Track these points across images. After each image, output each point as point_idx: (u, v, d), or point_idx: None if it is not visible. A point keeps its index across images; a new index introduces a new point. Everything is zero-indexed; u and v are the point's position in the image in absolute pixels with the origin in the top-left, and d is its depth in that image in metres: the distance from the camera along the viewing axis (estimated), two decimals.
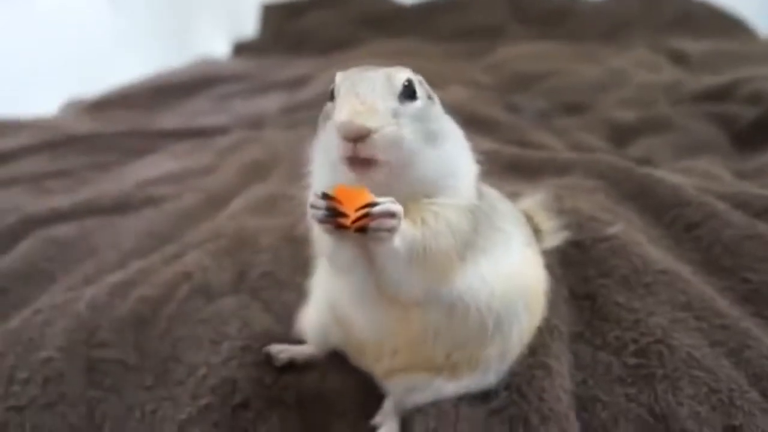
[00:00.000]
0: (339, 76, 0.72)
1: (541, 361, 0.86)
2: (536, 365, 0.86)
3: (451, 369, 0.81)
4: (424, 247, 0.71)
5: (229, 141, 1.94)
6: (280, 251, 1.17)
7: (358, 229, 0.67)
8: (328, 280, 0.85)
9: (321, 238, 0.75)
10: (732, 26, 3.51)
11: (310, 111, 2.25)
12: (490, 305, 0.77)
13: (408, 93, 0.71)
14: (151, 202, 1.44)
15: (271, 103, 2.42)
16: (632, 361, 0.88)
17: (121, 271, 1.09)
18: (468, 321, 0.77)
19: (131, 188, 1.51)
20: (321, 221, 0.68)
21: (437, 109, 0.77)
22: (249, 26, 3.77)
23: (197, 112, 2.36)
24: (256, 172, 1.66)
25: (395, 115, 0.68)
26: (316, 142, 0.76)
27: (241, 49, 3.59)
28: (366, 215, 0.66)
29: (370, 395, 0.84)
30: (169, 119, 2.26)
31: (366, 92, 0.68)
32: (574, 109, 2.23)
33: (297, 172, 1.74)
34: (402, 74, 0.72)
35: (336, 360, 0.89)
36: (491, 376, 0.83)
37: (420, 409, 0.81)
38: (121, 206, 1.42)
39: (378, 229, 0.67)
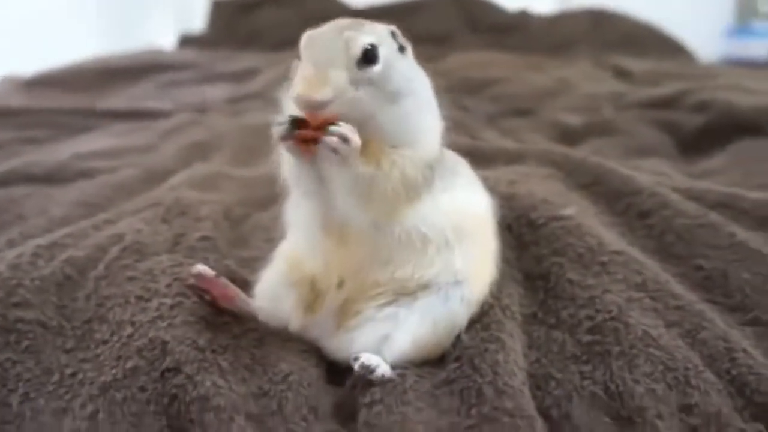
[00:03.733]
0: (304, 38, 0.75)
1: (495, 336, 0.82)
2: (489, 339, 0.81)
3: (403, 290, 0.80)
4: (369, 184, 0.75)
5: (172, 123, 1.87)
6: (221, 224, 1.12)
7: (312, 139, 0.72)
8: (293, 230, 0.87)
9: (286, 161, 0.80)
10: (673, 49, 3.59)
11: (256, 102, 2.21)
12: (441, 230, 0.80)
13: (367, 58, 0.73)
14: (85, 174, 1.36)
15: (217, 92, 2.36)
16: (587, 338, 0.84)
17: (49, 235, 1.01)
18: (413, 243, 0.79)
19: (65, 160, 1.43)
20: (282, 137, 0.73)
21: (404, 64, 0.79)
22: (198, 21, 3.69)
23: (140, 97, 2.27)
24: (198, 152, 1.60)
25: (351, 81, 0.72)
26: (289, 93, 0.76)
27: (187, 42, 3.51)
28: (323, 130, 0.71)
29: (311, 361, 0.80)
30: (110, 101, 2.17)
31: (321, 61, 0.72)
32: (522, 113, 2.23)
33: (240, 155, 1.69)
34: (362, 39, 0.73)
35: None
36: (453, 303, 0.81)
37: (365, 380, 0.76)
38: (54, 176, 1.34)
39: (328, 145, 0.71)
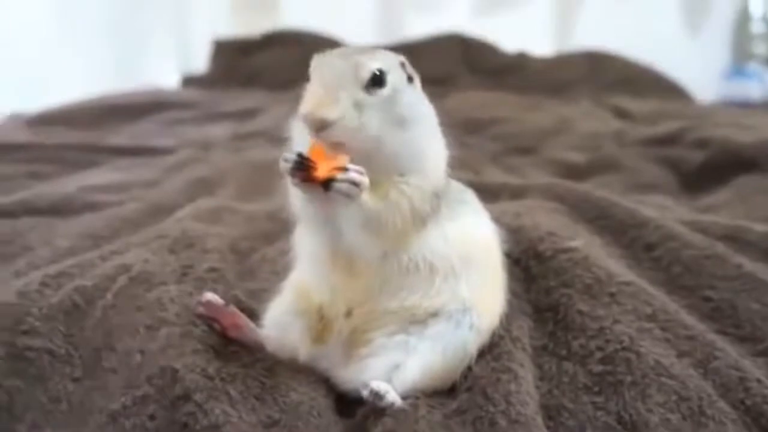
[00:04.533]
0: (314, 60, 0.76)
1: (506, 366, 0.82)
2: (501, 369, 0.81)
3: (413, 318, 0.80)
4: (379, 220, 0.76)
5: (176, 159, 1.88)
6: (227, 256, 1.12)
7: (322, 183, 0.71)
8: (301, 260, 0.87)
9: (294, 194, 0.79)
10: (671, 90, 3.62)
11: (259, 140, 2.22)
12: (448, 259, 0.80)
13: (376, 81, 0.74)
14: (90, 206, 1.36)
15: (219, 130, 2.37)
16: (598, 368, 0.84)
17: (56, 265, 1.00)
18: (420, 272, 0.80)
19: (71, 193, 1.43)
20: (289, 173, 0.72)
21: (411, 93, 0.80)
22: (199, 62, 3.72)
23: (144, 135, 2.28)
24: (202, 187, 1.60)
25: (358, 104, 0.73)
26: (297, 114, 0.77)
27: (189, 82, 3.53)
28: (333, 179, 0.71)
29: (321, 391, 0.79)
30: (114, 138, 2.18)
31: (331, 82, 0.73)
32: (524, 151, 2.24)
33: (244, 191, 1.69)
34: (371, 64, 0.75)
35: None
36: (463, 330, 0.81)
37: (376, 410, 0.75)
38: (59, 209, 1.34)
39: (340, 192, 0.71)
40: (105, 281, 0.94)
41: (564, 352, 0.89)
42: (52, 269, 0.97)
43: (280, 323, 0.85)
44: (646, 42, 3.70)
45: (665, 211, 1.35)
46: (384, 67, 0.75)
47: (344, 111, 0.71)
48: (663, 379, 0.80)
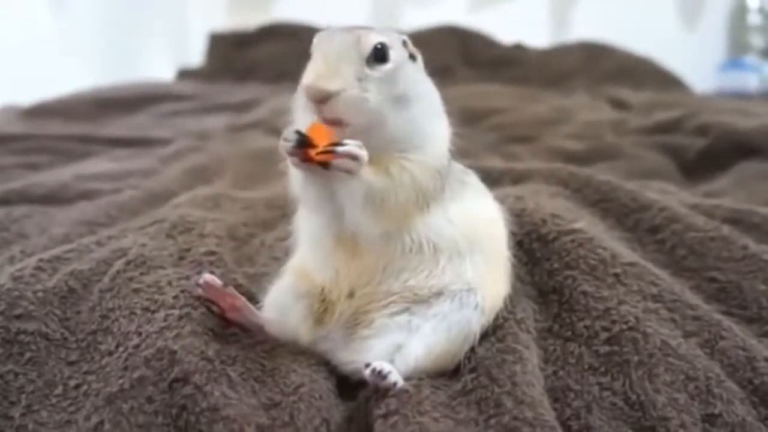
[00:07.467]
0: (317, 37, 0.76)
1: (512, 347, 0.80)
2: (506, 351, 0.79)
3: (416, 297, 0.79)
4: (381, 196, 0.75)
5: (173, 148, 1.86)
6: (226, 242, 1.10)
7: (321, 162, 0.70)
8: (303, 243, 0.86)
9: (294, 176, 0.79)
10: (668, 81, 3.61)
11: (256, 130, 2.20)
12: (453, 240, 0.79)
13: (378, 56, 0.74)
14: (86, 195, 1.35)
15: (216, 122, 2.34)
16: (604, 349, 0.83)
17: (51, 250, 0.98)
18: (423, 253, 0.79)
19: (66, 181, 1.41)
20: (288, 152, 0.72)
21: (414, 70, 0.80)
22: (195, 56, 3.70)
23: (140, 126, 2.26)
24: (199, 176, 1.58)
25: (360, 78, 0.72)
26: (297, 93, 0.77)
27: (185, 75, 3.51)
28: (331, 152, 0.70)
29: (322, 374, 0.78)
30: (110, 130, 2.16)
31: (332, 55, 0.72)
32: (524, 140, 2.22)
33: (241, 180, 1.67)
34: (373, 37, 0.74)
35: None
36: (467, 309, 0.79)
37: (379, 392, 0.73)
38: (55, 197, 1.33)
39: (339, 168, 0.70)
40: (101, 265, 0.92)
41: (569, 334, 0.87)
42: (47, 254, 0.95)
43: (280, 306, 0.84)
44: (642, 33, 3.69)
45: (668, 195, 1.33)
46: (386, 42, 0.74)
47: (346, 83, 0.71)
48: (670, 359, 0.79)
